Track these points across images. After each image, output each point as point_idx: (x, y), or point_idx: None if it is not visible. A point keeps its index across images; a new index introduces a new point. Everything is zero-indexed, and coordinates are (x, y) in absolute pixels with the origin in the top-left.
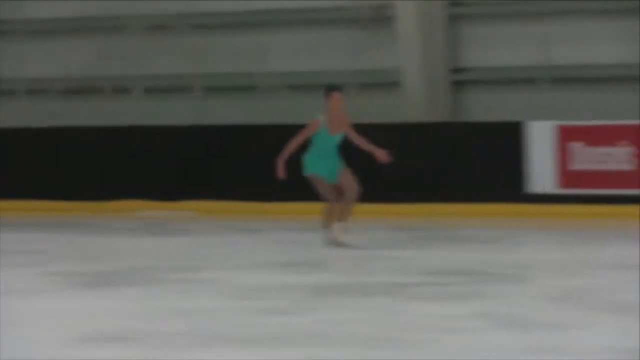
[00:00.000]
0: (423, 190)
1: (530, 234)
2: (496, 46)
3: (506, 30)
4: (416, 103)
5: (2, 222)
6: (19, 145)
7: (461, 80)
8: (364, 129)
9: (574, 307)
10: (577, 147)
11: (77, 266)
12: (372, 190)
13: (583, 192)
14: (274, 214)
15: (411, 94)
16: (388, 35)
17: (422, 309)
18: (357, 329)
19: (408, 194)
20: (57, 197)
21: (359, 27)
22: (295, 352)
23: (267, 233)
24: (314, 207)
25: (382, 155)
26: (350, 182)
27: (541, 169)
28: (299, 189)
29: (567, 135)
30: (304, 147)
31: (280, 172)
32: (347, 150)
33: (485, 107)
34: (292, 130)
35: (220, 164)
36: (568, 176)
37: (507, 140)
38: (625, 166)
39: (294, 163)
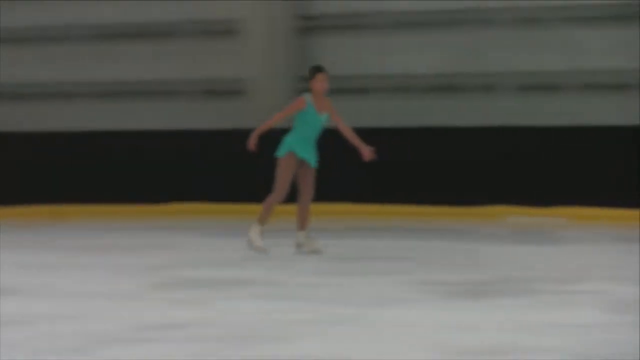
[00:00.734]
0: None
1: None
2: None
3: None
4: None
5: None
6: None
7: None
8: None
9: None
10: None
11: (445, 275)
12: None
13: None
14: None
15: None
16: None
17: None
18: None
19: None
20: (422, 203)
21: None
22: None
23: None
24: None
25: (367, 152)
26: (312, 185)
27: None
28: None
29: None
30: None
31: (252, 144)
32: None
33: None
34: None
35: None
36: None
37: None
38: None
39: None
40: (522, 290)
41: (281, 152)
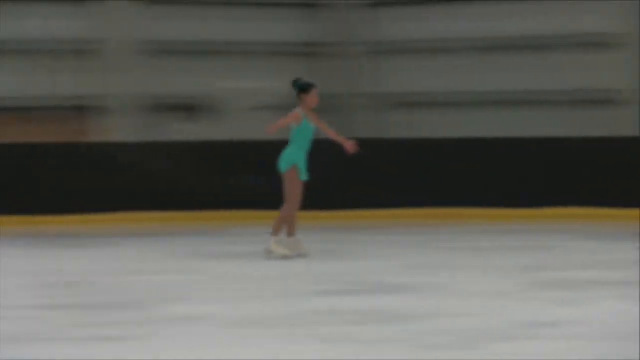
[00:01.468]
0: None
1: None
2: None
3: None
4: None
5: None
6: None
7: None
8: None
9: None
10: None
11: None
12: None
13: None
14: None
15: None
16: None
17: None
18: None
19: None
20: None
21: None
22: None
23: None
24: None
25: (350, 145)
26: (300, 192)
27: None
28: None
29: None
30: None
31: (270, 131)
32: None
33: None
34: None
35: None
36: None
37: None
38: None
39: None
40: None
41: (286, 167)
